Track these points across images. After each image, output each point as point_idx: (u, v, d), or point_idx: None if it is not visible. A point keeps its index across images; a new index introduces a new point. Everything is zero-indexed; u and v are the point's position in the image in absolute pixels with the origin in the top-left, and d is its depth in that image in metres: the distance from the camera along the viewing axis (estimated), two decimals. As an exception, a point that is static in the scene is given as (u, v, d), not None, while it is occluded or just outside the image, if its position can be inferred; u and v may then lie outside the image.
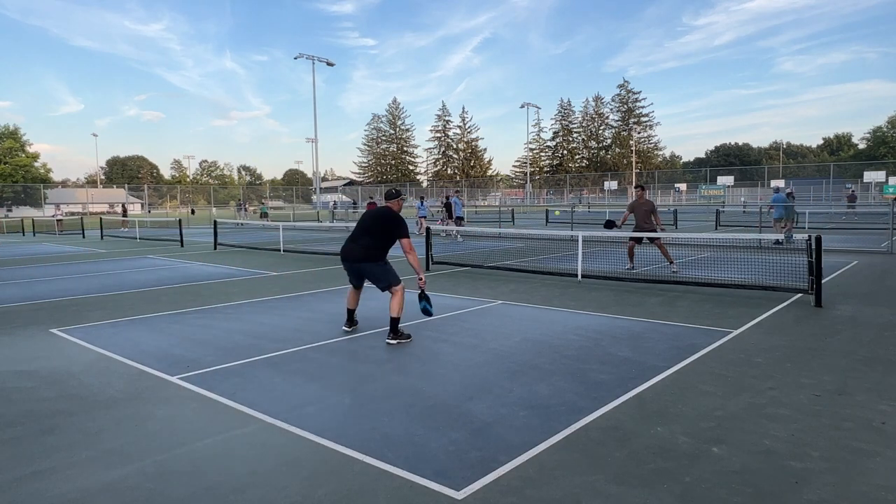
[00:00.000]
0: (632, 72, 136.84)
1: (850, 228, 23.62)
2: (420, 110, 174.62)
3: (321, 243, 19.21)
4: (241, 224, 32.68)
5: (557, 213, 18.76)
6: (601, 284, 9.93)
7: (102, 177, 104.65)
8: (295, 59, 43.01)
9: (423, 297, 6.27)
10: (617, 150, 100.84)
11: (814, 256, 7.81)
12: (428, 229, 13.27)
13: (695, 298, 8.47)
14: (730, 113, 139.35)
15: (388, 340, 6.07)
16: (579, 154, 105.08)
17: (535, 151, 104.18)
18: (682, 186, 69.85)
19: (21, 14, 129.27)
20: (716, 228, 23.90)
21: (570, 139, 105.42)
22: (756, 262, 11.94)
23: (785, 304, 7.93)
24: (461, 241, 19.60)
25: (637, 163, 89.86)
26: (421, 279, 6.31)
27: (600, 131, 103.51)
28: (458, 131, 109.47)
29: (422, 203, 24.80)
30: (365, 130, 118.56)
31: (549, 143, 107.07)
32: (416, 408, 4.23)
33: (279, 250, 17.05)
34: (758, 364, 5.21)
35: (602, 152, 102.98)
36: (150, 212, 65.74)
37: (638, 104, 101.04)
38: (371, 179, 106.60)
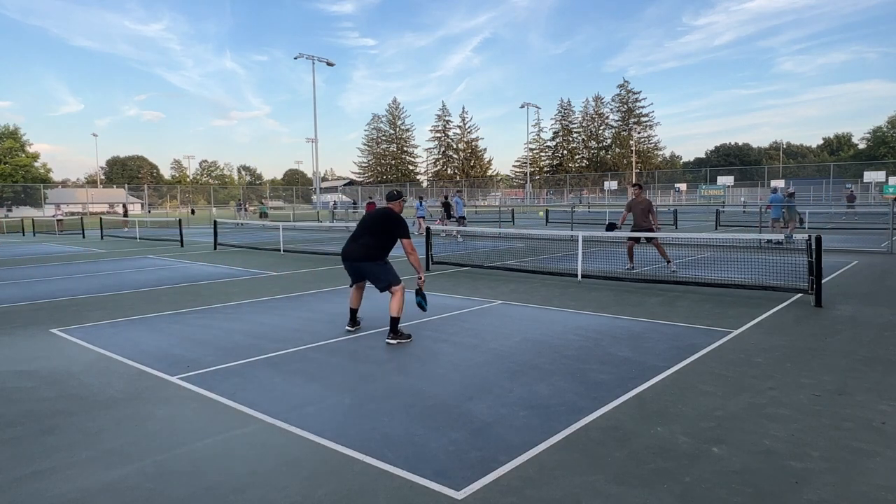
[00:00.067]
0: (632, 72, 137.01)
1: (850, 228, 23.62)
2: (420, 110, 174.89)
3: (321, 243, 19.21)
4: (241, 224, 32.68)
5: (541, 213, 18.64)
6: (601, 284, 9.93)
7: (102, 177, 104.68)
8: (295, 59, 43.06)
9: (420, 294, 6.35)
10: (617, 150, 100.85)
11: (814, 256, 7.81)
12: (428, 229, 13.27)
13: (695, 298, 8.47)
14: (730, 113, 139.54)
15: (387, 340, 6.08)
16: (579, 154, 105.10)
17: (535, 151, 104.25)
18: (682, 186, 69.83)
19: (21, 14, 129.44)
20: (716, 228, 23.91)
21: (570, 139, 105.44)
22: (756, 262, 11.94)
23: (785, 304, 7.93)
24: (461, 241, 19.60)
25: (637, 163, 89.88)
26: (421, 279, 6.38)
27: (600, 131, 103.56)
28: (458, 131, 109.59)
29: (421, 203, 24.80)
30: (365, 130, 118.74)
31: (549, 143, 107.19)
32: (416, 408, 4.23)
33: (279, 250, 17.05)
34: (758, 364, 5.21)
35: (602, 152, 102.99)
36: (150, 212, 65.75)
37: (638, 104, 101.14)
38: (371, 179, 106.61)
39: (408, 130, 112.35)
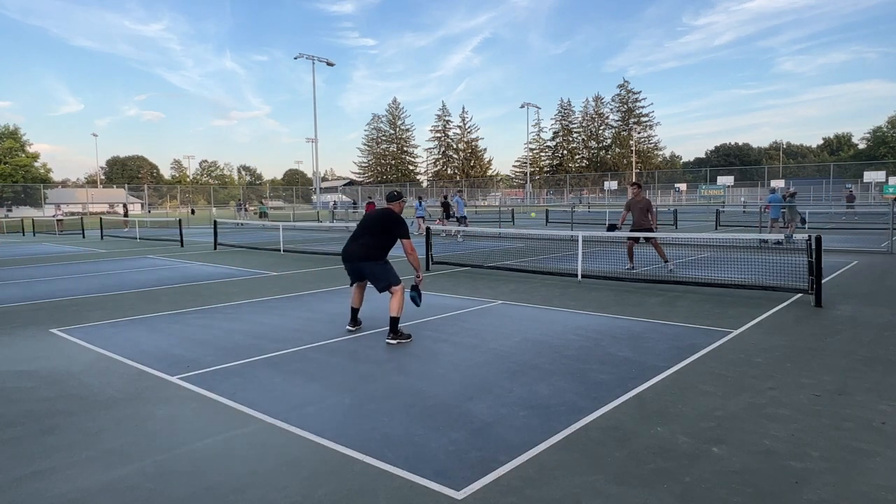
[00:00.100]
0: (632, 72, 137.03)
1: (850, 228, 23.62)
2: (420, 110, 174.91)
3: (321, 243, 19.21)
4: (241, 224, 32.68)
5: (533, 215, 18.52)
6: (601, 284, 9.93)
7: (102, 177, 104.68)
8: (295, 59, 43.05)
9: (415, 290, 6.40)
10: (617, 150, 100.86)
11: (814, 256, 7.81)
12: (428, 229, 13.27)
13: (695, 298, 8.47)
14: (730, 113, 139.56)
15: (387, 340, 6.08)
16: (579, 154, 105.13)
17: (535, 151, 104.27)
18: (682, 186, 69.84)
19: (21, 14, 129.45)
20: (716, 228, 23.91)
21: (570, 139, 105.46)
22: (756, 262, 11.94)
23: (785, 304, 7.93)
24: (461, 241, 19.59)
25: (637, 163, 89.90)
26: (419, 277, 6.43)
27: (600, 131, 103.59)
28: (458, 131, 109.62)
29: (420, 203, 24.81)
30: (365, 130, 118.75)
31: (549, 143, 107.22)
32: (416, 408, 4.23)
33: (279, 250, 17.05)
34: (758, 364, 5.21)
35: (602, 152, 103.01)
36: (150, 212, 65.74)
37: (638, 104, 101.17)
38: (371, 179, 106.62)
39: (408, 130, 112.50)
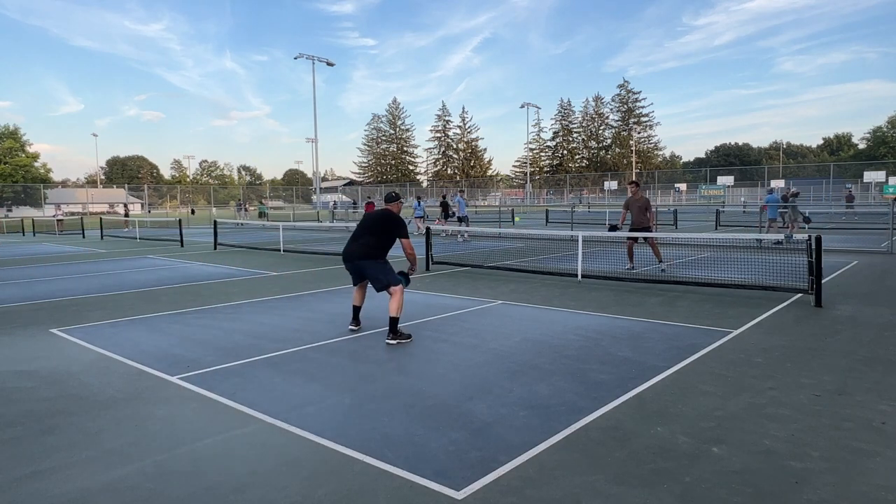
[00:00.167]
0: (632, 72, 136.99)
1: (849, 228, 23.63)
2: (420, 110, 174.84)
3: (321, 243, 19.21)
4: (241, 224, 32.68)
5: (518, 219, 18.39)
6: (601, 284, 9.93)
7: (102, 177, 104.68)
8: (295, 59, 43.04)
9: (403, 274, 6.46)
10: (617, 150, 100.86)
11: (814, 256, 7.81)
12: (428, 229, 13.27)
13: (695, 298, 8.47)
14: (730, 113, 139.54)
15: (387, 341, 6.09)
16: (579, 154, 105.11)
17: (535, 151, 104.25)
18: (682, 186, 69.82)
19: (21, 14, 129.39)
20: (716, 228, 23.91)
21: (570, 139, 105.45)
22: (756, 262, 11.94)
23: (785, 304, 7.93)
24: (461, 241, 19.58)
25: (637, 163, 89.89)
26: (412, 268, 6.52)
27: (600, 131, 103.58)
28: (458, 131, 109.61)
29: (419, 203, 24.81)
30: (365, 130, 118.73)
31: (549, 143, 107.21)
32: (416, 408, 4.23)
33: (279, 250, 17.05)
34: (758, 364, 5.21)
35: (602, 152, 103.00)
36: (150, 212, 65.74)
37: (638, 104, 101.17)
38: (371, 179, 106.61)
39: (408, 130, 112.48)
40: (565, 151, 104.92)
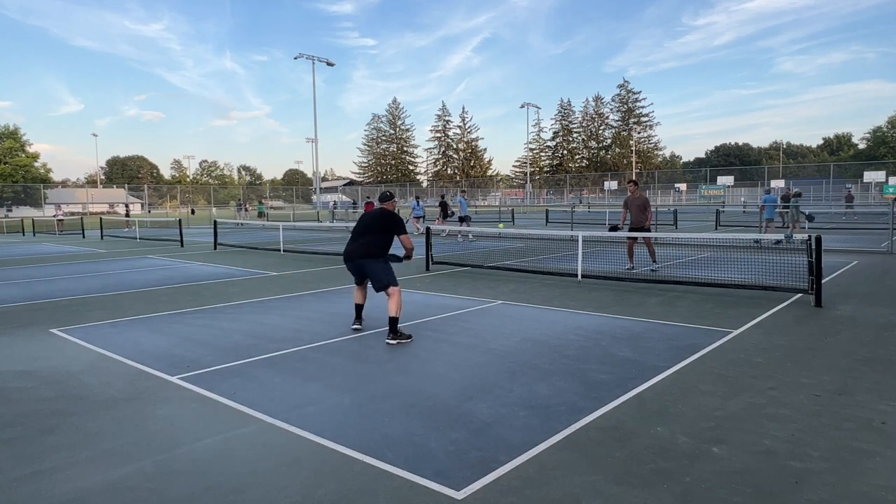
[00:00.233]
0: (632, 72, 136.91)
1: (849, 228, 23.63)
2: (420, 110, 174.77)
3: (321, 243, 19.21)
4: (241, 224, 32.68)
5: (501, 226, 18.34)
6: (601, 284, 9.93)
7: (102, 177, 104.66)
8: (295, 59, 43.02)
9: (397, 258, 6.57)
10: (617, 150, 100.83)
11: (814, 256, 7.81)
12: (428, 229, 13.27)
13: (695, 298, 8.47)
14: (730, 113, 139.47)
15: (387, 341, 6.10)
16: (579, 154, 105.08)
17: (535, 151, 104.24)
18: (682, 186, 69.82)
19: (21, 14, 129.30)
20: (716, 228, 23.91)
21: (570, 139, 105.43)
22: (756, 262, 11.94)
23: (785, 304, 7.93)
24: (461, 241, 19.57)
25: (637, 163, 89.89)
26: (408, 256, 6.61)
27: (600, 131, 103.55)
28: (458, 131, 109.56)
29: (417, 203, 24.79)
30: (365, 130, 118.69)
31: (549, 143, 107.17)
32: (416, 408, 4.23)
33: (279, 250, 17.05)
34: (758, 364, 5.21)
35: (602, 152, 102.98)
36: (149, 212, 65.73)
37: (638, 104, 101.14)
38: (371, 179, 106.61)
39: (408, 130, 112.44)
40: (565, 151, 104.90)
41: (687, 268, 11.64)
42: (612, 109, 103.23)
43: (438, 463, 3.34)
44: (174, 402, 4.44)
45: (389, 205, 6.66)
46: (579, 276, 10.50)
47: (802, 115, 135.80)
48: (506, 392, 4.53)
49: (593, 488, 3.04)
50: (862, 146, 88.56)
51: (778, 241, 15.55)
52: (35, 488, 3.13)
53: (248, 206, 47.89)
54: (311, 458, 3.46)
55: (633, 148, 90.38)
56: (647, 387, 4.61)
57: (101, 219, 29.03)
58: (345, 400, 4.44)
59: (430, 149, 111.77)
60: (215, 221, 21.14)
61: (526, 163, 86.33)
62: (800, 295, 8.29)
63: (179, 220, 22.31)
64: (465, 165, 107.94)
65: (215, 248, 18.55)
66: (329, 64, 43.34)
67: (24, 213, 51.22)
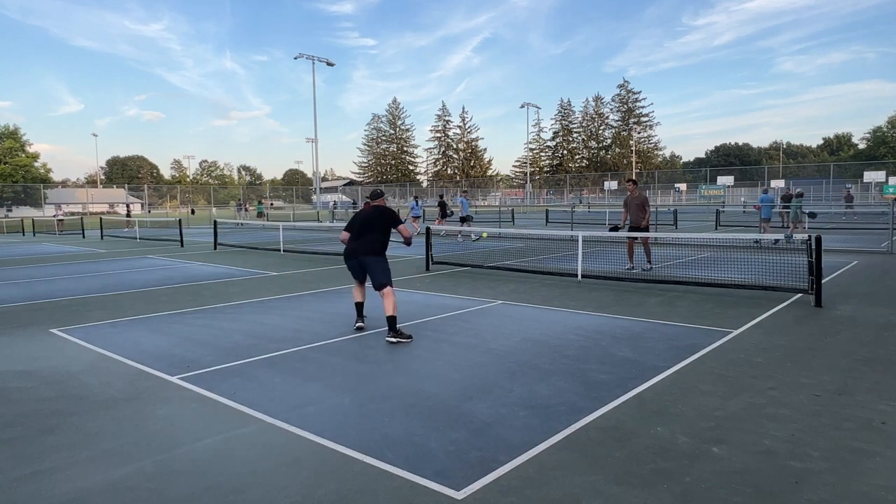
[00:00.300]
0: (632, 72, 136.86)
1: (850, 228, 23.63)
2: (420, 110, 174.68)
3: (321, 243, 19.21)
4: (241, 224, 32.68)
5: (485, 234, 18.31)
6: (601, 284, 9.93)
7: (102, 177, 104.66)
8: (295, 59, 43.01)
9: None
10: (617, 150, 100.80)
11: (814, 256, 7.81)
12: (428, 229, 13.26)
13: (695, 298, 8.47)
14: (730, 113, 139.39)
15: (387, 338, 6.15)
16: (579, 154, 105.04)
17: (535, 151, 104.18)
18: (682, 186, 69.82)
19: (21, 14, 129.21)
20: (716, 228, 23.91)
21: (570, 139, 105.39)
22: (756, 262, 11.94)
23: (785, 304, 7.93)
24: (461, 241, 19.56)
25: (637, 163, 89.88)
26: (408, 242, 6.84)
27: (600, 131, 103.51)
28: (458, 131, 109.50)
29: (416, 203, 24.78)
30: (365, 130, 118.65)
31: (549, 143, 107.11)
32: (416, 408, 4.23)
33: (279, 250, 17.05)
34: (758, 364, 5.21)
35: (602, 152, 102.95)
36: (149, 212, 65.72)
37: (638, 104, 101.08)
38: (371, 179, 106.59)
39: (408, 130, 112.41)
40: (565, 151, 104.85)
41: (687, 268, 11.64)
42: (612, 109, 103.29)
43: (438, 463, 3.34)
44: (174, 402, 4.44)
45: (381, 201, 6.80)
46: (579, 276, 10.50)
47: (802, 115, 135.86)
48: (506, 392, 4.53)
49: (593, 488, 3.04)
50: (862, 146, 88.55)
51: (776, 241, 15.54)
52: (35, 488, 3.13)
53: (248, 206, 47.88)
54: (311, 458, 3.46)
55: (633, 148, 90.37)
56: (647, 387, 4.61)
57: (101, 219, 29.02)
58: (345, 400, 4.44)
59: (430, 149, 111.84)
60: (215, 221, 21.15)
61: (526, 163, 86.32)
62: (800, 295, 8.29)
63: (179, 220, 22.32)
64: (465, 165, 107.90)
65: (215, 248, 18.55)
66: (329, 64, 43.33)
67: (24, 213, 51.22)
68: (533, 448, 3.50)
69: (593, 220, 31.47)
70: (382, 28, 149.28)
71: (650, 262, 11.54)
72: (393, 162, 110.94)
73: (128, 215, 36.52)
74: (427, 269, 12.11)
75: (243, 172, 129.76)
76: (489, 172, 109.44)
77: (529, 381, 4.80)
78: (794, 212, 18.51)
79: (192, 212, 50.24)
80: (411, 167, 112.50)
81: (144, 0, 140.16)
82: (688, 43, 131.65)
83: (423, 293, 9.32)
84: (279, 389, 4.69)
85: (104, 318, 7.71)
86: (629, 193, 11.83)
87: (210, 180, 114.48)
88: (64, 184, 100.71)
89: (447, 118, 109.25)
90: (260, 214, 39.21)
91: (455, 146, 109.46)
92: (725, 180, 62.51)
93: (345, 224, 6.93)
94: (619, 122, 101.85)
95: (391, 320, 6.18)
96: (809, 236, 8.20)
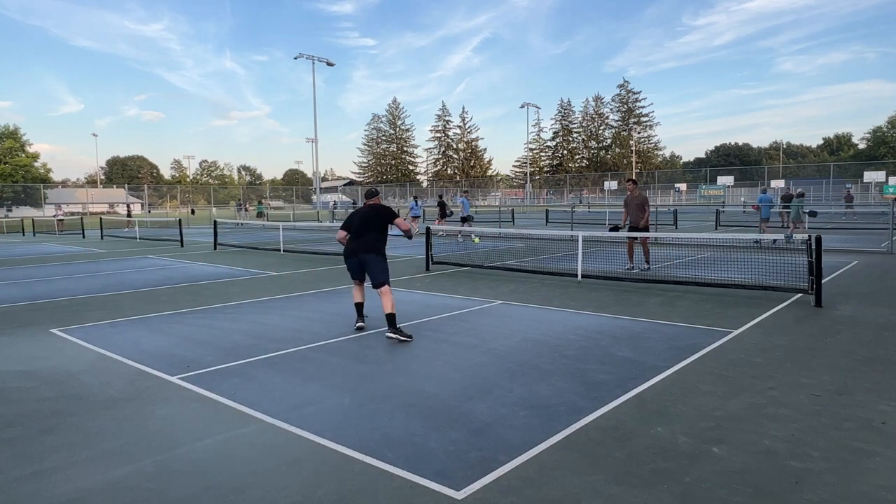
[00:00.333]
0: (632, 72, 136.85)
1: (850, 228, 23.63)
2: (420, 110, 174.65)
3: (321, 243, 19.21)
4: (241, 224, 32.67)
5: (477, 240, 18.44)
6: (601, 284, 9.93)
7: (102, 177, 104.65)
8: (295, 59, 42.99)
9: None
10: (617, 150, 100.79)
11: (814, 256, 7.81)
12: (428, 229, 13.26)
13: (695, 298, 8.47)
14: (730, 113, 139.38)
15: (388, 335, 6.22)
16: (579, 154, 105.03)
17: (535, 151, 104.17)
18: (682, 186, 69.84)
19: (21, 14, 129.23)
20: (716, 228, 23.91)
21: (570, 139, 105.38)
22: (756, 262, 11.94)
23: (785, 304, 7.93)
24: (461, 241, 19.56)
25: (637, 163, 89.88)
26: (408, 235, 6.95)
27: (600, 131, 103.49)
28: (458, 131, 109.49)
29: (416, 203, 24.78)
30: (365, 130, 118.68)
31: (549, 143, 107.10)
32: (416, 408, 4.23)
33: (279, 250, 17.05)
34: (758, 364, 5.21)
35: (602, 152, 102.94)
36: (150, 212, 65.72)
37: (638, 104, 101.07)
38: (371, 179, 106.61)
39: (408, 130, 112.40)
40: (565, 151, 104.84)
41: (687, 268, 11.64)
42: (612, 109, 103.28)
43: (438, 463, 3.34)
44: (174, 402, 4.44)
45: (376, 200, 6.89)
46: (579, 276, 10.50)
47: (802, 115, 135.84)
48: (506, 392, 4.53)
49: (593, 488, 3.04)
50: (862, 146, 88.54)
51: (775, 241, 15.54)
52: (35, 488, 3.13)
53: (248, 206, 47.87)
54: (311, 458, 3.46)
55: (633, 148, 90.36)
56: (647, 387, 4.61)
57: (100, 219, 29.03)
58: (345, 400, 4.44)
59: (430, 149, 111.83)
60: (215, 221, 21.14)
61: (526, 163, 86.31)
62: (800, 295, 8.29)
63: (179, 220, 22.31)
64: (465, 165, 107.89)
65: (215, 248, 18.55)
66: (329, 64, 43.32)
67: (24, 213, 51.22)
68: (533, 448, 3.50)
69: (593, 220, 31.47)
70: (382, 28, 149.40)
71: (648, 262, 11.55)
72: (393, 162, 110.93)
73: (128, 215, 36.53)
74: (427, 269, 12.11)
75: (243, 172, 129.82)
76: (489, 172, 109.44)
77: (529, 381, 4.80)
78: (796, 212, 18.50)
79: (192, 212, 50.24)
80: (411, 167, 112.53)
81: (144, 0, 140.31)
82: (688, 43, 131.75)
83: (423, 293, 9.32)
84: (279, 389, 4.69)
85: (104, 318, 7.71)
86: (629, 193, 11.84)
87: (210, 180, 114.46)
88: (64, 184, 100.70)
89: (447, 118, 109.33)
90: (260, 214, 39.21)
91: (455, 146, 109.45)
92: (725, 180, 62.52)
93: (342, 222, 6.96)
94: (619, 122, 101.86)
95: (390, 318, 6.24)
96: (809, 236, 8.20)
